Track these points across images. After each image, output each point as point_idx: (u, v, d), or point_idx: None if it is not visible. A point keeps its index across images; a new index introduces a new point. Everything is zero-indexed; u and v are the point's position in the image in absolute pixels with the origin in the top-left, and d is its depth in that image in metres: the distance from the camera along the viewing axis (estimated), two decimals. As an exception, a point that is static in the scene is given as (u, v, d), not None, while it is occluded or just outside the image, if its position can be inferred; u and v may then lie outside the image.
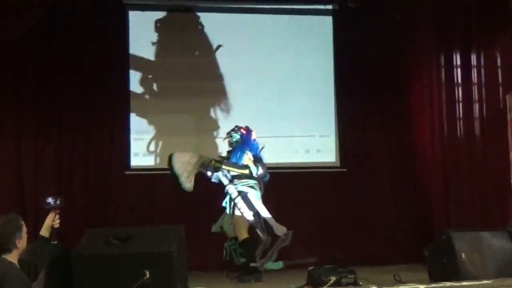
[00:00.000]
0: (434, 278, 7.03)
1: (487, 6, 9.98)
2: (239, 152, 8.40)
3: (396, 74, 11.44)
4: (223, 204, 8.30)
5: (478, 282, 6.35)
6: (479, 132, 10.30)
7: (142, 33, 11.10)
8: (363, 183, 11.13)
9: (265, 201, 8.41)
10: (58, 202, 4.98)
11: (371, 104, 11.51)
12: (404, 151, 11.45)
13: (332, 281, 6.57)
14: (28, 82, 10.54)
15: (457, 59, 10.67)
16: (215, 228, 8.44)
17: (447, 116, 10.72)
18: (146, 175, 10.83)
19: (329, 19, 11.58)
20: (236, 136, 8.54)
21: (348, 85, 11.43)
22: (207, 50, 11.27)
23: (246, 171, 8.19)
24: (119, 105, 10.90)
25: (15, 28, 9.70)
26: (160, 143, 11.01)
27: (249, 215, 7.93)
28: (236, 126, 8.72)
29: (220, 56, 11.21)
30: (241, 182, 8.21)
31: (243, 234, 8.03)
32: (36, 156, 10.54)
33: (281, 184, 10.10)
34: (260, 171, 8.31)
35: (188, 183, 8.10)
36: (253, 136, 8.61)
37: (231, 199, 8.14)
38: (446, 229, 7.42)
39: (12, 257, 4.50)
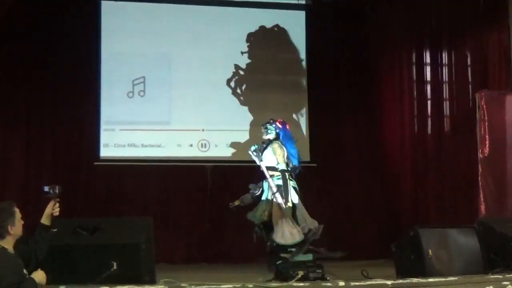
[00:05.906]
0: (401, 274, 7.04)
1: (458, 6, 10.04)
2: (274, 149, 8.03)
3: (367, 71, 11.49)
4: (263, 198, 7.92)
5: (444, 279, 6.37)
6: (449, 130, 10.39)
7: (114, 24, 10.98)
8: (333, 179, 11.16)
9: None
10: (56, 191, 5.01)
11: (342, 100, 11.56)
12: (374, 148, 11.52)
13: (299, 276, 6.54)
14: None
15: (428, 57, 10.75)
16: (251, 217, 7.82)
17: (417, 113, 10.81)
18: (115, 166, 10.75)
19: (302, 14, 11.60)
20: (272, 130, 8.17)
21: (320, 81, 11.45)
22: (181, 41, 11.24)
23: (277, 173, 7.89)
24: (89, 96, 10.79)
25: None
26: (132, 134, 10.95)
27: (288, 207, 7.66)
28: (271, 119, 8.18)
29: (191, 47, 11.17)
30: (277, 176, 7.93)
31: (274, 217, 7.73)
32: (4, 147, 10.44)
33: (251, 177, 10.04)
34: (292, 165, 8.04)
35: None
36: (288, 128, 8.24)
37: (270, 193, 7.80)
38: (414, 225, 7.44)
39: (6, 243, 4.55)
